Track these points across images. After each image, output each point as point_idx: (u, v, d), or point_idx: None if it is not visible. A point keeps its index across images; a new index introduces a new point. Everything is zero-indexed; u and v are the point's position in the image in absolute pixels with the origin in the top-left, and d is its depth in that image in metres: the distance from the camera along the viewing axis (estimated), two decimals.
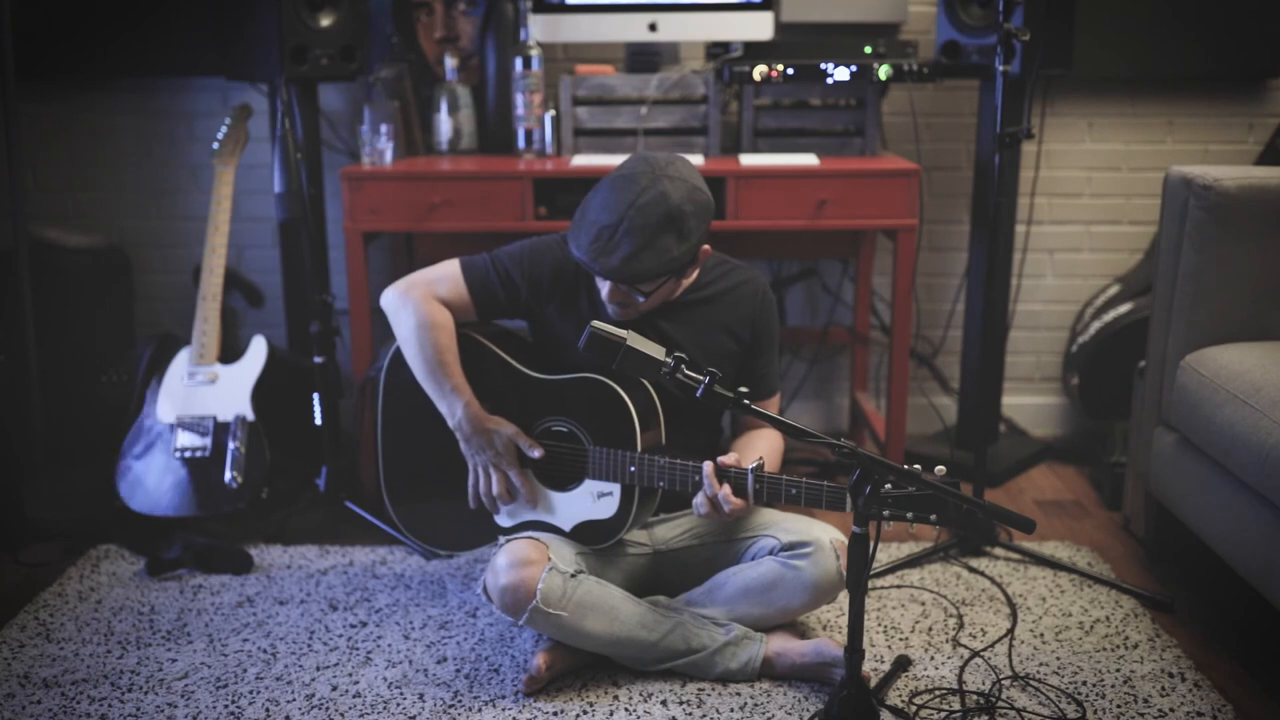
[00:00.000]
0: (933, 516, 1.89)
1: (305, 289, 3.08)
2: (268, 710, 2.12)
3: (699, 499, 2.14)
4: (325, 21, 2.92)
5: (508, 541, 2.22)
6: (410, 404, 2.37)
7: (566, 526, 2.28)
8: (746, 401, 1.96)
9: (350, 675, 2.24)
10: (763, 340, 2.37)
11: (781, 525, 2.27)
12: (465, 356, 2.30)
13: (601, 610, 2.16)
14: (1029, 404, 3.63)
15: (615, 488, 2.22)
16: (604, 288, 2.20)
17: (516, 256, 2.33)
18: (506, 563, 2.15)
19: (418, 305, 2.28)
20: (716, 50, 3.11)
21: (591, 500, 2.24)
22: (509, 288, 2.31)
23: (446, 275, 2.32)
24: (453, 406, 2.26)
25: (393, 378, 2.42)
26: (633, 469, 2.18)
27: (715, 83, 3.03)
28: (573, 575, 2.16)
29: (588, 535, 2.26)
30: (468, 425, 2.25)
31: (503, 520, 2.34)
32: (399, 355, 2.37)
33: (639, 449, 2.18)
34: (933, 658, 2.29)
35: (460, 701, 2.15)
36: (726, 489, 2.10)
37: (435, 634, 2.39)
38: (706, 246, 2.21)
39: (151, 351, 3.07)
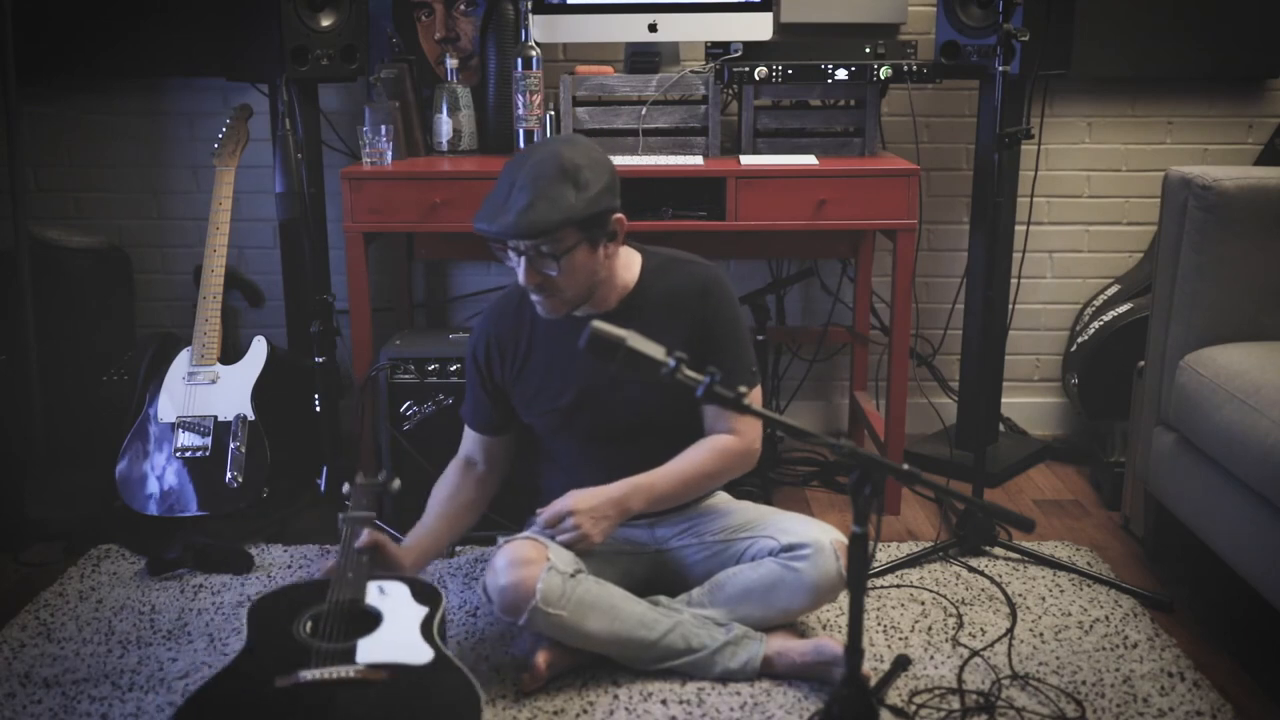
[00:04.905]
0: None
1: (305, 289, 3.08)
2: None
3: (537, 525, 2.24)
4: (326, 22, 2.93)
5: (506, 542, 2.21)
6: None
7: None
8: (747, 403, 1.95)
9: None
10: (713, 332, 2.25)
11: (780, 525, 2.27)
12: None
13: (602, 609, 2.16)
14: (1029, 404, 3.63)
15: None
16: (520, 272, 2.14)
17: (469, 349, 2.40)
18: (505, 562, 2.14)
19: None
20: (716, 50, 3.11)
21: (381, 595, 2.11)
22: (483, 377, 2.37)
23: (465, 436, 2.46)
24: None
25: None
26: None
27: (715, 83, 3.03)
28: (572, 575, 2.16)
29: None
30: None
31: None
32: None
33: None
34: (932, 657, 2.29)
35: None
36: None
37: None
38: (620, 216, 2.16)
39: (152, 351, 3.07)
